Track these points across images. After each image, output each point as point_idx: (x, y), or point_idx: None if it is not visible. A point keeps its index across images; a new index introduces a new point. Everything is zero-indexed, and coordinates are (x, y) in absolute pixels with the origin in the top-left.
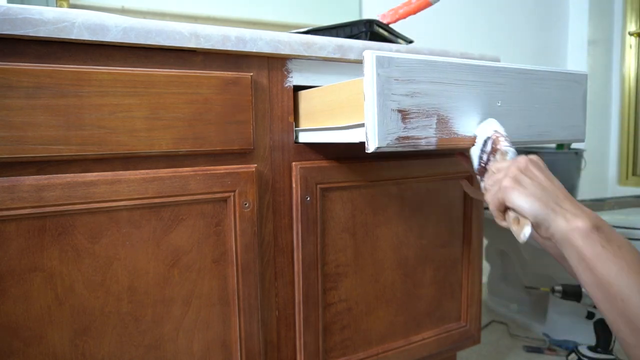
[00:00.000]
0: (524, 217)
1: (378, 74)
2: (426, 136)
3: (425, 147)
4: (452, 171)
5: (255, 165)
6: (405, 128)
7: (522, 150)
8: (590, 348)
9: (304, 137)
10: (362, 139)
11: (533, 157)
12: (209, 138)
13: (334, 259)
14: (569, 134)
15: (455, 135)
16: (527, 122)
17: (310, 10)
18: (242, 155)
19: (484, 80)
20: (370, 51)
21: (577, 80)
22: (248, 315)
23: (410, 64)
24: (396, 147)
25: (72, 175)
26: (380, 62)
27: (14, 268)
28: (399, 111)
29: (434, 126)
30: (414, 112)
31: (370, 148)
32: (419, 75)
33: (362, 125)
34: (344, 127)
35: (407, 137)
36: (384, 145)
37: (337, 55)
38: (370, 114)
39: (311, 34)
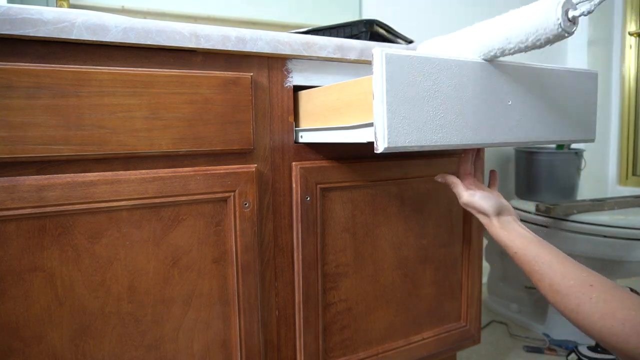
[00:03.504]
0: None
1: (388, 72)
2: (436, 136)
3: (435, 147)
4: (452, 171)
5: (255, 165)
6: (415, 127)
7: (522, 150)
8: (590, 348)
9: (304, 137)
10: (371, 139)
11: None
12: (209, 138)
13: (334, 259)
14: (580, 134)
15: (464, 135)
16: (537, 121)
17: (310, 10)
18: (242, 155)
19: (494, 78)
20: (379, 49)
21: (589, 79)
22: (248, 315)
23: (421, 62)
24: (405, 147)
25: (72, 175)
26: (390, 59)
27: (14, 268)
28: (409, 110)
29: (444, 125)
30: (424, 111)
31: (380, 148)
32: (429, 73)
33: (371, 124)
34: (351, 127)
35: (417, 137)
36: (394, 145)
37: (337, 55)
38: (379, 113)
39: (311, 34)
